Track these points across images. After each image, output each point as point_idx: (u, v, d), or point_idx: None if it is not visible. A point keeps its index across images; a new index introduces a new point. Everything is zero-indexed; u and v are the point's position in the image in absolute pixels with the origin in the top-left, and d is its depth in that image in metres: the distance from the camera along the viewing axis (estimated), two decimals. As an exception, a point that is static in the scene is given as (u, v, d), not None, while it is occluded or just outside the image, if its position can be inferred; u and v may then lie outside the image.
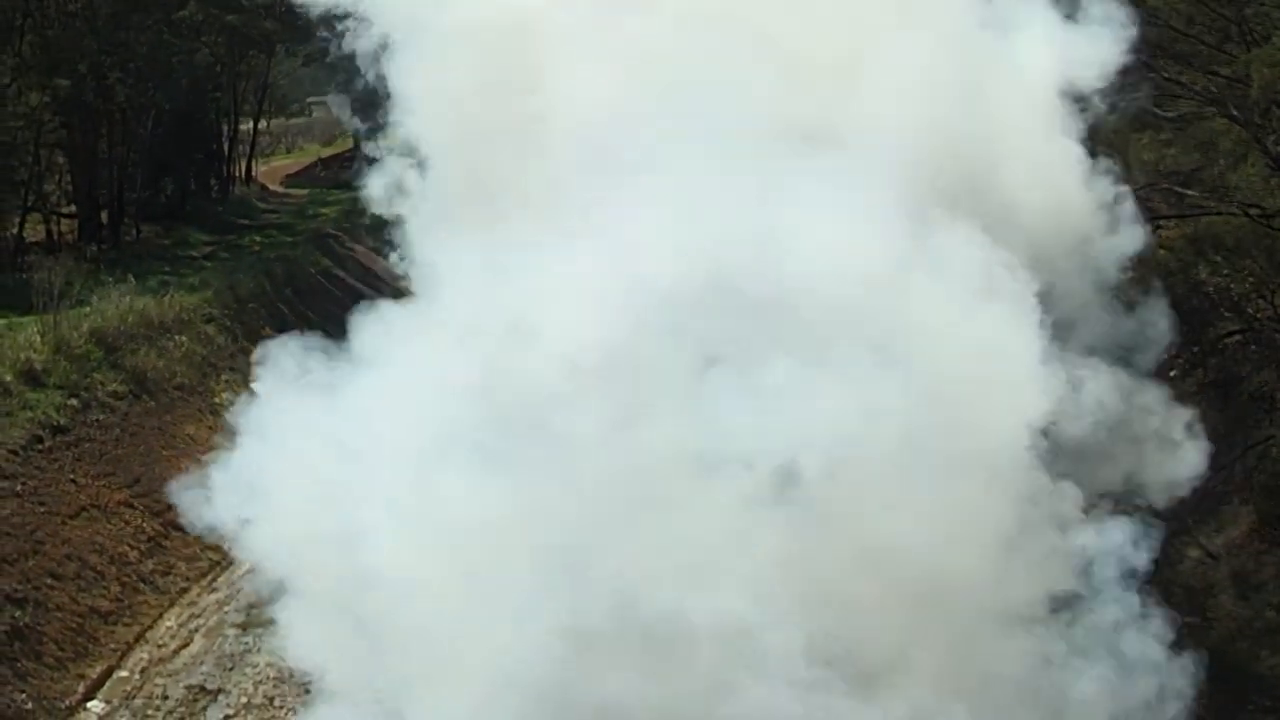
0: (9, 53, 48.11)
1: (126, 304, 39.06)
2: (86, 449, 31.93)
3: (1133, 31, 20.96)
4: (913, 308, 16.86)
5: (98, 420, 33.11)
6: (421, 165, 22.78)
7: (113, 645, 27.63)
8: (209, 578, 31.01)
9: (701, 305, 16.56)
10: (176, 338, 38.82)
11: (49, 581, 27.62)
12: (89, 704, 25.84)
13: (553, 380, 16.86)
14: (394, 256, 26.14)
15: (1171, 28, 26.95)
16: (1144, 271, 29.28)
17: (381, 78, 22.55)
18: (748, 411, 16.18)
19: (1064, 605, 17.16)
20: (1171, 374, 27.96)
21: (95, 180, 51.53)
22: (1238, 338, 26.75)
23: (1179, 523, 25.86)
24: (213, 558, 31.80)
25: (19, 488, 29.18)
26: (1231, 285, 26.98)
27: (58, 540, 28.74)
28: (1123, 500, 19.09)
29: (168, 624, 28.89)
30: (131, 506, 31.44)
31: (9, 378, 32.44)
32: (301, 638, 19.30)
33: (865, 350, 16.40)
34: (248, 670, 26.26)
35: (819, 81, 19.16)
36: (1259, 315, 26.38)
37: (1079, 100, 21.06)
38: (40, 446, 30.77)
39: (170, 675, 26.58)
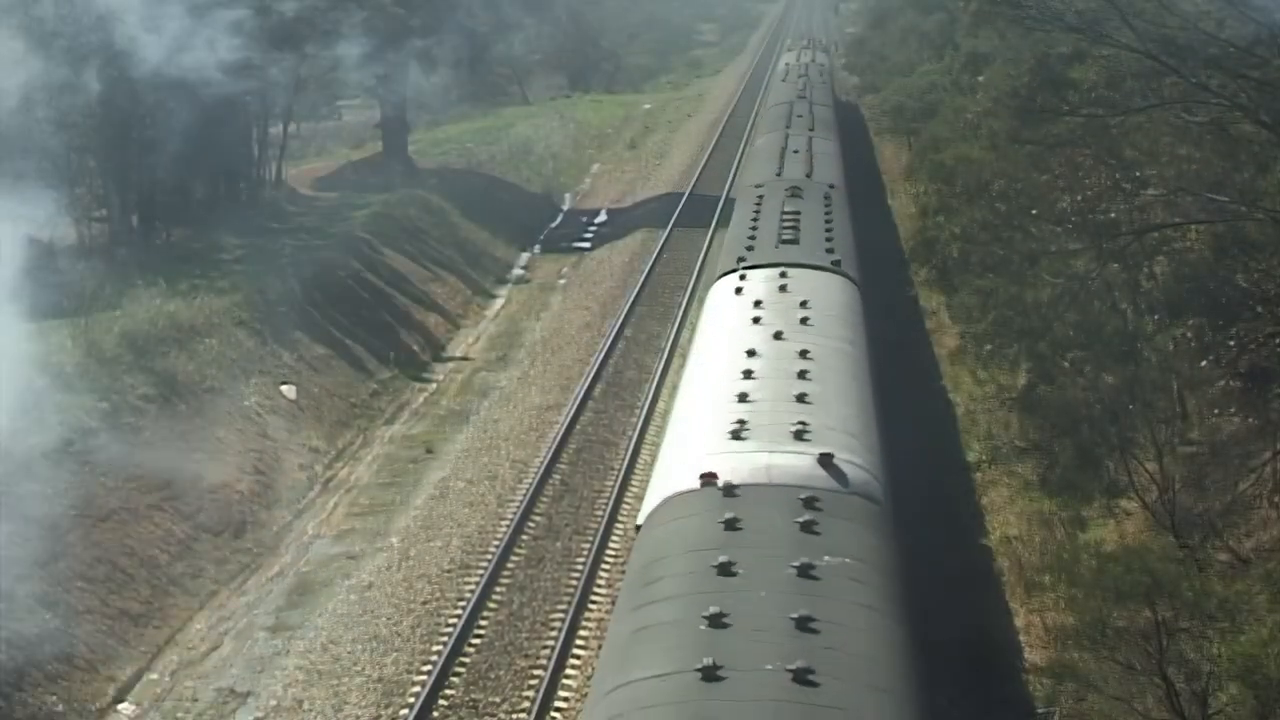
0: (40, 57, 48.33)
1: (157, 307, 39.25)
2: (117, 452, 32.06)
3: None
4: None
5: (128, 423, 33.25)
6: None
7: (143, 648, 27.75)
8: (238, 580, 31.13)
9: None
10: (206, 341, 38.95)
11: (79, 584, 27.78)
12: (119, 706, 25.96)
13: None
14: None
15: (1202, 30, 26.86)
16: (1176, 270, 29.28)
17: None
18: None
19: None
20: (1202, 364, 27.92)
21: (126, 183, 51.76)
22: (1274, 339, 26.62)
23: (1209, 526, 25.83)
24: (242, 560, 31.96)
25: (50, 490, 29.31)
26: (1263, 285, 26.91)
27: (88, 543, 28.88)
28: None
29: (197, 626, 28.99)
30: (161, 509, 31.57)
31: (40, 381, 32.59)
32: None
33: None
34: (277, 673, 26.32)
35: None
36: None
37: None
38: (71, 449, 30.92)
39: (200, 678, 26.67)
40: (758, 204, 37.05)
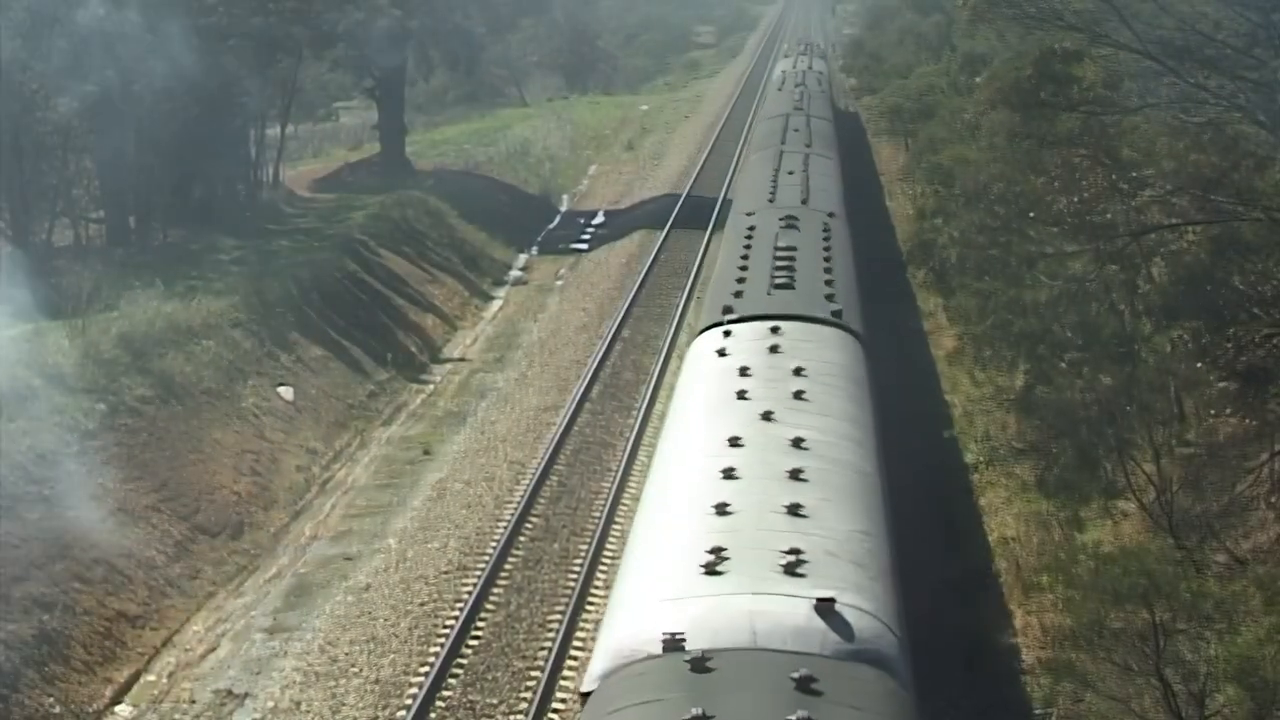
0: (38, 59, 48.37)
1: (154, 308, 39.24)
2: (114, 453, 32.07)
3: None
4: None
5: (125, 424, 33.24)
6: None
7: (140, 649, 27.74)
8: (236, 582, 31.12)
9: None
10: (204, 342, 38.95)
11: (76, 585, 27.76)
12: (116, 708, 25.94)
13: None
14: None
15: (1199, 32, 26.89)
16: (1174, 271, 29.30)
17: None
18: None
19: None
20: (1199, 366, 27.93)
21: (123, 185, 51.78)
22: (1271, 340, 26.65)
23: (1206, 528, 25.85)
24: (240, 562, 31.95)
25: (46, 492, 29.32)
26: (1259, 286, 26.93)
27: (85, 544, 28.87)
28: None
29: (195, 628, 28.98)
30: (159, 510, 31.56)
31: (38, 381, 32.61)
32: None
33: None
34: (274, 675, 26.32)
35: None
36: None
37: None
38: (68, 451, 30.91)
39: (197, 679, 26.66)
40: (748, 237, 32.72)
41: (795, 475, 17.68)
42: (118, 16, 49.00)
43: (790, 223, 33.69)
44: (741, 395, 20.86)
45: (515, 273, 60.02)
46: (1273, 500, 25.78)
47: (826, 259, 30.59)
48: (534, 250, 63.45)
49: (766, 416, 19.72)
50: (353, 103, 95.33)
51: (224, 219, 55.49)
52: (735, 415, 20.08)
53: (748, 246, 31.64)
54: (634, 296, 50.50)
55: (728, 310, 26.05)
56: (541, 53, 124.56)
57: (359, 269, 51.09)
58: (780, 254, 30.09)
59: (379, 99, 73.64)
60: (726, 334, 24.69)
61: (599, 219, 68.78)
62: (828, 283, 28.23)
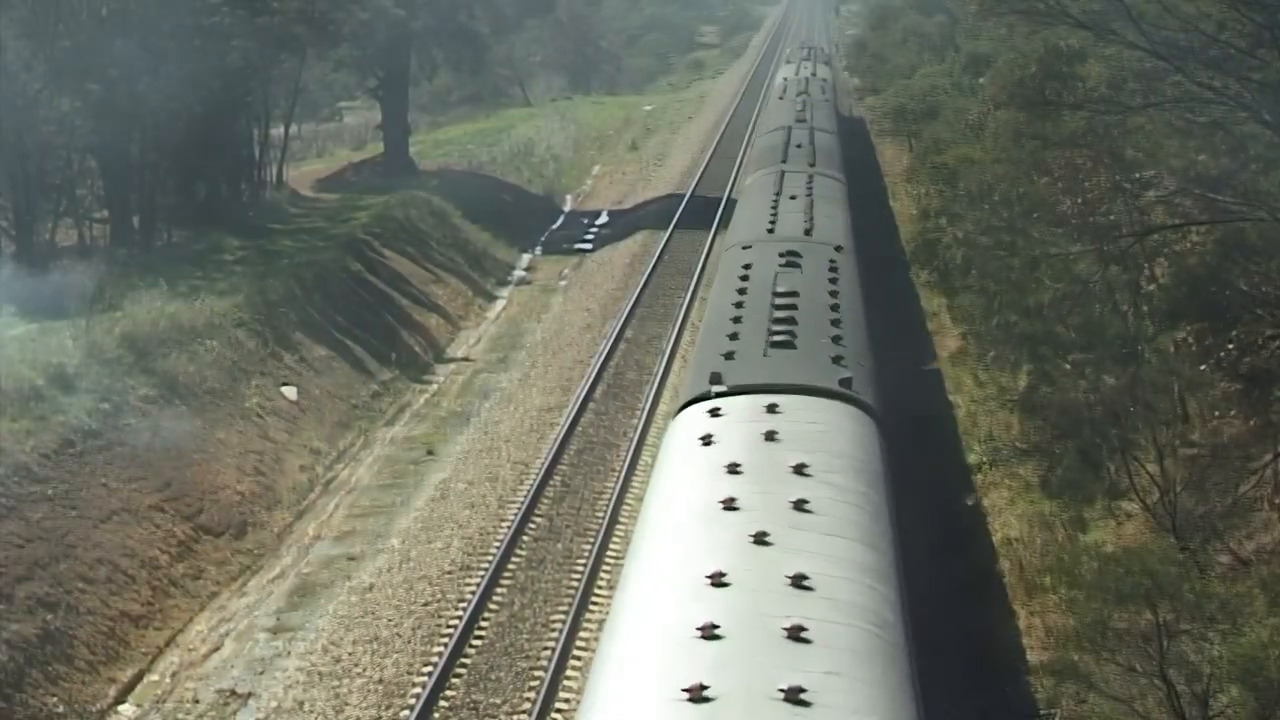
0: (41, 58, 48.42)
1: (158, 308, 39.25)
2: (118, 453, 32.09)
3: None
4: None
5: (129, 424, 33.26)
6: None
7: (143, 649, 27.75)
8: (239, 581, 31.13)
9: None
10: (207, 342, 38.95)
11: (80, 585, 27.77)
12: (120, 708, 25.95)
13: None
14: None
15: (1203, 32, 26.87)
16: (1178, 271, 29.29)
17: None
18: None
19: None
20: (1203, 368, 27.93)
21: (126, 184, 51.81)
22: (1275, 342, 26.64)
23: (1210, 528, 25.84)
24: (243, 561, 31.96)
25: (50, 492, 29.34)
26: (1263, 287, 26.93)
27: (89, 544, 28.89)
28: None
29: (198, 628, 28.99)
30: (162, 510, 31.57)
31: (41, 381, 32.64)
32: None
33: None
34: (278, 674, 26.32)
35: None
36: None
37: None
38: (72, 450, 30.94)
39: (201, 679, 26.66)
40: (743, 278, 28.16)
41: (796, 635, 13.40)
42: (121, 18, 49.12)
43: (792, 260, 29.44)
44: (729, 505, 16.49)
45: (519, 272, 60.05)
46: (1276, 501, 25.76)
47: (834, 307, 26.38)
48: (537, 250, 63.49)
49: (760, 539, 15.38)
50: (356, 102, 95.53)
51: (228, 219, 55.52)
52: (721, 536, 15.77)
53: (742, 292, 27.25)
54: (637, 296, 50.50)
55: (716, 379, 21.59)
56: (545, 53, 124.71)
57: (362, 269, 51.12)
58: (780, 302, 25.90)
59: (383, 99, 73.73)
60: (714, 412, 20.27)
61: (602, 219, 68.82)
62: (835, 338, 24.13)
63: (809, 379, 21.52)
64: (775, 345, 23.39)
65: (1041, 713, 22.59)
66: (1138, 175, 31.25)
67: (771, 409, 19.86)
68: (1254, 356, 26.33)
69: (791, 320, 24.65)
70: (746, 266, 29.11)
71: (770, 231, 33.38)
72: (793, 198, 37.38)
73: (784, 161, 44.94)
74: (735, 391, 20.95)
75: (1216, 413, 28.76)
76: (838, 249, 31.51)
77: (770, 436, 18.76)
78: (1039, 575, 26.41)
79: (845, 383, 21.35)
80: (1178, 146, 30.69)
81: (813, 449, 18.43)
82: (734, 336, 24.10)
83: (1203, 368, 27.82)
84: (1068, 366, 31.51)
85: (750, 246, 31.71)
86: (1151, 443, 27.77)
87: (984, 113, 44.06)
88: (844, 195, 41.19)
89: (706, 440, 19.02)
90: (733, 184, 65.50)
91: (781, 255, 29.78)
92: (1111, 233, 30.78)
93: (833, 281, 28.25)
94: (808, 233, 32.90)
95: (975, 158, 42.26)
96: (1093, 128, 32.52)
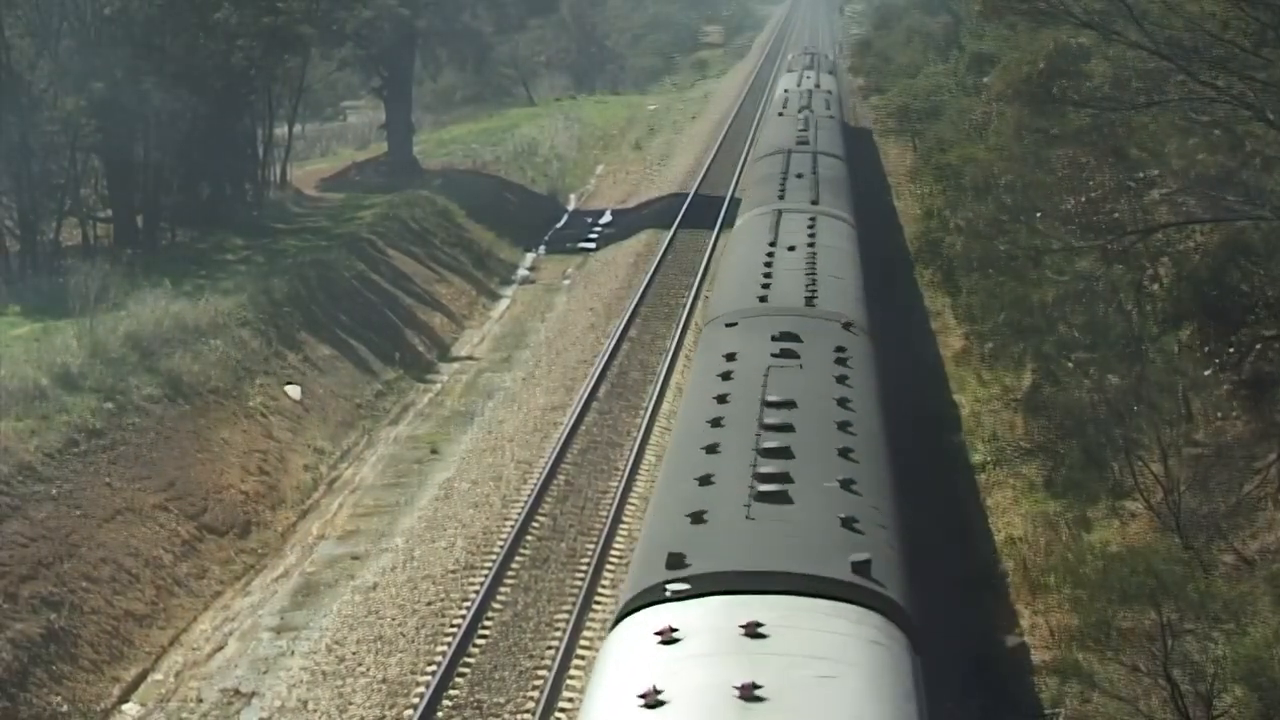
0: (46, 57, 48.47)
1: (162, 308, 39.25)
2: (122, 452, 32.10)
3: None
4: None
5: (133, 424, 33.28)
6: None
7: (147, 648, 27.77)
8: (243, 581, 31.14)
9: None
10: (211, 341, 38.97)
11: (84, 584, 27.79)
12: (124, 707, 25.98)
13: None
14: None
15: (1207, 32, 26.83)
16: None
17: None
18: None
19: None
20: (1206, 373, 27.91)
21: (131, 184, 51.85)
22: (1276, 344, 26.61)
23: (1214, 528, 25.82)
24: (247, 561, 31.98)
25: (54, 491, 29.36)
26: (1266, 288, 26.90)
27: (93, 543, 28.91)
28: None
29: (202, 627, 29.01)
30: (166, 510, 31.59)
31: (45, 381, 32.66)
32: None
33: None
34: (282, 674, 26.33)
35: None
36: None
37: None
38: (76, 450, 30.96)
39: (205, 678, 26.69)
40: (724, 378, 21.36)
41: None
42: (125, 18, 49.15)
43: (788, 348, 22.45)
44: None
45: (523, 272, 60.04)
46: (1280, 500, 25.74)
47: (843, 425, 19.38)
48: (541, 249, 63.47)
49: None
50: (360, 102, 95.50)
51: (231, 218, 55.60)
52: None
53: (722, 399, 20.25)
54: (641, 295, 50.48)
55: (676, 562, 14.78)
56: (549, 52, 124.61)
57: (366, 268, 51.13)
58: (770, 417, 18.94)
59: (386, 98, 73.73)
60: (667, 636, 13.26)
61: (606, 218, 68.81)
62: (846, 483, 17.10)
63: (808, 564, 14.79)
64: (763, 497, 16.38)
65: (1046, 712, 22.58)
66: (1141, 174, 31.21)
67: (753, 630, 13.13)
68: (1257, 358, 26.30)
69: (785, 452, 17.72)
70: (729, 357, 22.44)
71: (762, 300, 26.57)
72: (791, 249, 30.51)
73: (781, 198, 37.15)
74: (700, 593, 14.22)
75: (1220, 413, 28.73)
76: (846, 326, 24.87)
77: (750, 695, 11.97)
78: (1043, 575, 26.40)
79: (861, 569, 14.78)
80: (1182, 145, 30.64)
81: (815, 712, 12.05)
82: (706, 480, 17.20)
83: (1206, 372, 27.80)
84: (1072, 366, 31.48)
85: (736, 324, 24.95)
86: (1156, 442, 27.74)
87: (988, 111, 43.99)
88: (854, 242, 33.71)
89: (651, 701, 12.09)
90: (735, 184, 65.52)
91: (775, 340, 22.85)
92: (1115, 231, 30.74)
93: (841, 381, 21.42)
94: (809, 301, 26.22)
95: (979, 156, 42.23)
96: (1097, 125, 32.48)
